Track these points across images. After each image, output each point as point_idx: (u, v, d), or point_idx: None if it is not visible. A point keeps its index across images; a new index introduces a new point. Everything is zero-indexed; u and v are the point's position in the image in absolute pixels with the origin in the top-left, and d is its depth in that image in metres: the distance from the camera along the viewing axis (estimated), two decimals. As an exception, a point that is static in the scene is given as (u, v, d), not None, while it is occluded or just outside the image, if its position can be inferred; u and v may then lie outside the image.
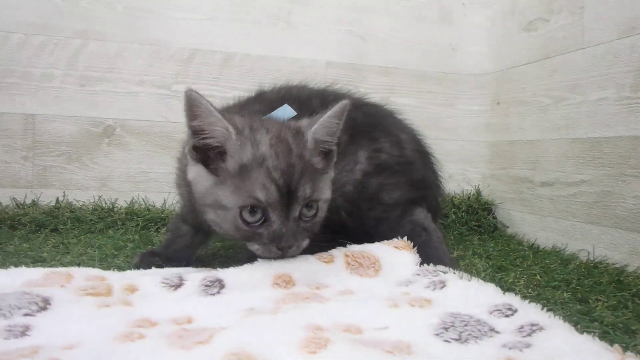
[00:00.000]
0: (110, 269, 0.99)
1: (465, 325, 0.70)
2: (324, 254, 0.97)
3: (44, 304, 0.72)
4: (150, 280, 0.84)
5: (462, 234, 1.70)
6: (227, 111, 1.11)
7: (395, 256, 0.99)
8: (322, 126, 0.94)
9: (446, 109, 1.95)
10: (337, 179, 1.08)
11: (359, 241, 1.02)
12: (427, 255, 1.02)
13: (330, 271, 0.93)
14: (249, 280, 0.86)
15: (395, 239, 1.04)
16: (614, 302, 0.96)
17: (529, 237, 1.61)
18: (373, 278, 0.94)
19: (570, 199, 1.46)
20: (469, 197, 1.84)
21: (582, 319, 0.86)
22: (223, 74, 1.76)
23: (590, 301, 0.97)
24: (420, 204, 1.14)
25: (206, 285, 0.83)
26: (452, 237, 1.63)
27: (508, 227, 1.75)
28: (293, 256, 0.92)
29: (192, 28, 1.74)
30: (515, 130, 1.74)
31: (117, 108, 1.69)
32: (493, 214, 1.81)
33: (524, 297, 0.83)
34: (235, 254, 1.26)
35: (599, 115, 1.37)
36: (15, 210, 1.52)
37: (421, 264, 0.99)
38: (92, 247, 1.26)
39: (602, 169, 1.35)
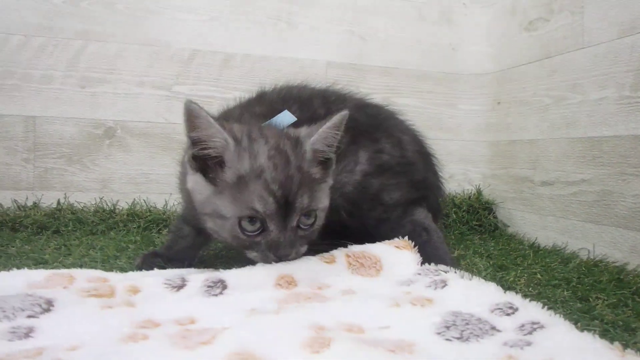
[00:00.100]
0: (112, 271, 1.00)
1: (467, 324, 0.70)
2: (325, 255, 0.98)
3: (47, 306, 0.72)
4: (153, 281, 0.84)
5: (463, 233, 1.71)
6: (228, 114, 1.12)
7: (396, 256, 1.00)
8: (321, 137, 0.95)
9: (447, 109, 1.95)
10: (338, 179, 1.08)
11: (360, 241, 1.03)
12: (428, 255, 1.03)
13: (331, 271, 0.93)
14: (252, 281, 0.86)
15: (396, 239, 1.04)
16: (614, 301, 0.96)
17: (530, 236, 1.62)
18: (374, 278, 0.94)
19: (571, 198, 1.46)
20: (469, 197, 1.85)
21: (583, 317, 0.86)
22: (223, 75, 1.77)
23: (591, 299, 0.97)
24: (420, 204, 1.14)
25: (209, 286, 0.83)
26: (453, 237, 1.63)
27: (509, 226, 1.75)
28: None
29: (192, 29, 1.74)
30: (515, 129, 1.74)
31: (118, 109, 1.69)
32: (494, 213, 1.81)
33: (525, 295, 0.84)
34: (237, 255, 1.26)
35: (599, 115, 1.37)
36: (17, 212, 1.53)
37: (422, 263, 0.99)
38: (94, 249, 1.26)
39: (603, 168, 1.35)
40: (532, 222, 1.63)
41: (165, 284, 0.84)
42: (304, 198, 0.90)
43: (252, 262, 0.93)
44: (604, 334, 0.77)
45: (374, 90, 1.79)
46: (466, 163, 1.95)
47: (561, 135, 1.51)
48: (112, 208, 1.61)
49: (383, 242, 1.03)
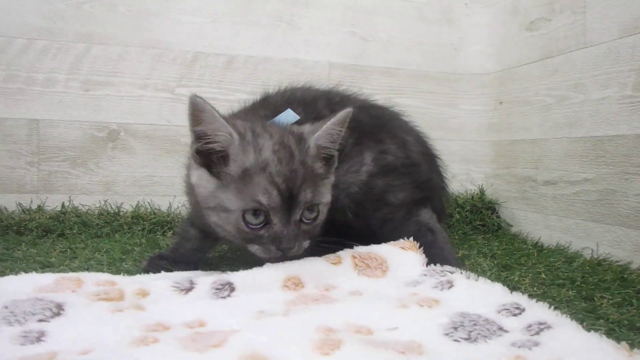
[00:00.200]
0: (119, 273, 1.00)
1: (474, 324, 0.71)
2: (332, 256, 0.99)
3: (58, 310, 0.73)
4: (161, 284, 0.85)
5: (466, 233, 1.71)
6: (233, 117, 1.13)
7: (401, 257, 1.00)
8: (325, 133, 0.96)
9: (449, 109, 1.96)
10: (344, 179, 1.10)
11: (365, 242, 1.03)
12: (433, 256, 1.03)
13: (338, 272, 0.94)
14: (259, 283, 0.87)
15: (401, 240, 1.05)
16: (619, 300, 0.96)
17: (533, 235, 1.62)
18: (380, 279, 0.95)
19: (574, 198, 1.47)
20: (472, 197, 1.85)
21: (588, 316, 0.87)
22: (226, 77, 1.77)
23: (595, 299, 0.97)
24: (425, 205, 1.15)
25: (217, 289, 0.84)
26: (456, 237, 1.64)
27: (512, 225, 1.76)
28: (294, 256, 0.93)
29: (195, 31, 1.75)
30: (518, 129, 1.74)
31: (121, 112, 1.70)
32: (497, 213, 1.82)
33: (530, 295, 0.84)
34: (243, 257, 1.26)
35: (602, 114, 1.37)
36: (22, 215, 1.53)
37: (427, 264, 1.00)
38: (100, 252, 1.27)
39: (605, 168, 1.36)
40: (535, 222, 1.64)
41: (174, 286, 0.84)
42: (307, 192, 0.91)
43: (258, 263, 0.94)
44: (610, 334, 0.77)
45: (376, 90, 1.80)
46: (468, 163, 1.95)
47: (563, 135, 1.52)
48: (117, 211, 1.62)
49: (388, 243, 1.04)
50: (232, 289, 0.84)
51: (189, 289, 0.84)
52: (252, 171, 0.89)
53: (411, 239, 1.05)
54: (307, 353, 0.60)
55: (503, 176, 1.83)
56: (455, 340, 0.67)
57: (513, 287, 0.96)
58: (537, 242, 1.54)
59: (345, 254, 0.99)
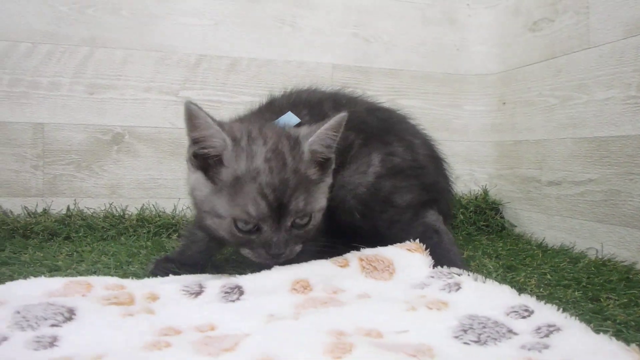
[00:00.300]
0: (126, 276, 1.01)
1: (484, 327, 0.71)
2: (339, 258, 0.99)
3: (69, 314, 0.73)
4: (171, 287, 0.85)
5: (471, 234, 1.72)
6: (236, 121, 1.13)
7: (408, 259, 1.00)
8: (319, 138, 0.96)
9: (452, 109, 1.96)
10: (350, 180, 1.11)
11: (372, 244, 1.04)
12: (439, 257, 1.03)
13: (345, 275, 0.94)
14: (268, 286, 0.87)
15: (407, 242, 1.05)
16: (625, 300, 0.97)
17: (537, 236, 1.62)
18: (388, 281, 0.95)
19: (578, 198, 1.47)
20: (476, 197, 1.85)
21: (595, 317, 0.87)
22: (230, 79, 1.77)
23: (602, 299, 0.97)
24: (431, 207, 1.15)
25: (226, 292, 0.84)
26: (460, 237, 1.64)
27: (516, 226, 1.76)
28: (285, 260, 0.94)
29: (198, 34, 1.75)
30: (521, 130, 1.75)
31: (125, 115, 1.70)
32: (501, 213, 1.82)
33: (537, 297, 0.84)
34: (248, 259, 1.27)
35: (606, 115, 1.38)
36: (27, 219, 1.54)
37: (434, 266, 1.00)
38: (106, 255, 1.27)
39: (609, 168, 1.36)
40: (539, 222, 1.64)
41: (183, 290, 0.84)
42: (299, 201, 0.92)
43: (265, 266, 0.94)
44: (617, 335, 0.77)
45: (379, 92, 1.81)
46: (472, 163, 1.96)
47: (567, 135, 1.52)
48: (122, 213, 1.62)
49: (395, 245, 1.04)
50: (241, 292, 0.85)
51: (198, 293, 0.84)
52: (243, 180, 0.90)
53: (417, 240, 1.05)
54: (319, 357, 0.60)
55: (507, 177, 1.83)
56: (465, 343, 0.68)
57: (519, 288, 0.96)
58: (541, 243, 1.54)
59: (352, 257, 0.99)
